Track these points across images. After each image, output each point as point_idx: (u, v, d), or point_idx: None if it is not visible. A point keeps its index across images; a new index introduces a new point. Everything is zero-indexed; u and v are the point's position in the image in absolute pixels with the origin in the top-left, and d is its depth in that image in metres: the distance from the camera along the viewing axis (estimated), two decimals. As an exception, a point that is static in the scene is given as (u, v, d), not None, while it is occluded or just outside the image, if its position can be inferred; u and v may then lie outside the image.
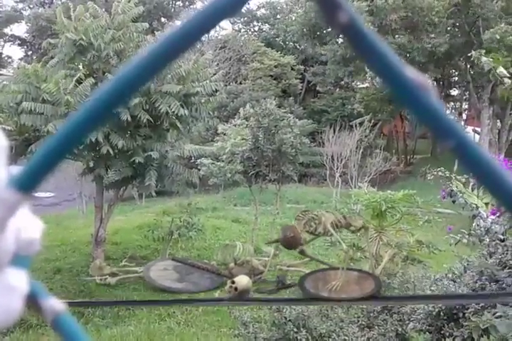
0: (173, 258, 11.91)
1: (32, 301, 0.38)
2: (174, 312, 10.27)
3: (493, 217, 4.75)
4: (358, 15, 0.30)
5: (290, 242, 9.81)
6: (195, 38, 0.32)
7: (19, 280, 0.35)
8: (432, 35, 23.45)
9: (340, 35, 0.32)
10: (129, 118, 10.40)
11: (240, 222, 16.63)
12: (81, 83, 11.00)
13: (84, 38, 11.27)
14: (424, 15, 23.09)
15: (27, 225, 0.36)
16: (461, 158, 0.30)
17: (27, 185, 0.32)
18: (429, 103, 0.29)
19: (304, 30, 30.65)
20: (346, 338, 6.28)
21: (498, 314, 3.63)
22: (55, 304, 0.39)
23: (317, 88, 34.19)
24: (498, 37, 19.09)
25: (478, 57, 3.64)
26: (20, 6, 39.62)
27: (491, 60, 3.55)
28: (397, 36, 23.33)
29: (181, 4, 39.90)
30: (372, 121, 26.68)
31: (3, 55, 40.00)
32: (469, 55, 3.95)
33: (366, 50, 0.30)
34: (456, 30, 24.48)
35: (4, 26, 38.95)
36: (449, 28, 24.51)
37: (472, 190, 4.97)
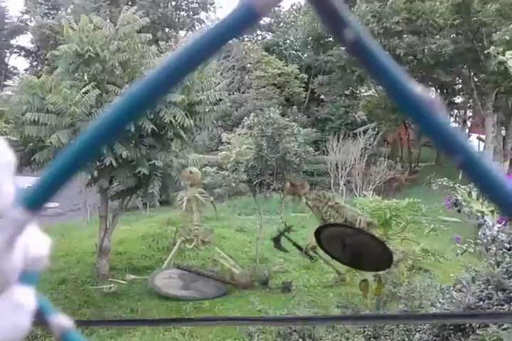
0: (178, 266, 11.93)
1: (39, 317, 0.38)
2: (179, 322, 10.19)
3: (499, 225, 4.71)
4: (364, 33, 0.30)
5: (293, 191, 11.08)
6: (205, 56, 0.32)
7: (26, 297, 0.35)
8: (437, 37, 23.52)
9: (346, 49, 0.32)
10: (133, 129, 10.44)
11: (244, 231, 16.60)
12: (85, 93, 11.06)
13: (89, 48, 11.35)
14: (428, 18, 23.22)
15: (35, 242, 0.36)
16: (468, 173, 0.30)
17: (36, 203, 0.33)
18: (436, 119, 0.29)
19: (308, 39, 30.83)
20: (352, 348, 6.24)
21: (504, 326, 3.59)
22: (62, 320, 0.39)
23: (320, 96, 34.30)
24: (508, 38, 19.06)
25: (495, 54, 3.60)
26: (26, 17, 40.03)
27: (509, 57, 3.51)
28: (404, 37, 23.42)
29: (185, 14, 40.20)
30: (376, 129, 26.69)
31: (8, 66, 40.35)
32: (486, 51, 3.94)
33: (373, 67, 0.30)
34: (460, 37, 24.55)
35: (10, 38, 39.34)
36: (452, 36, 24.59)
37: (477, 199, 4.94)
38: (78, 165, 0.34)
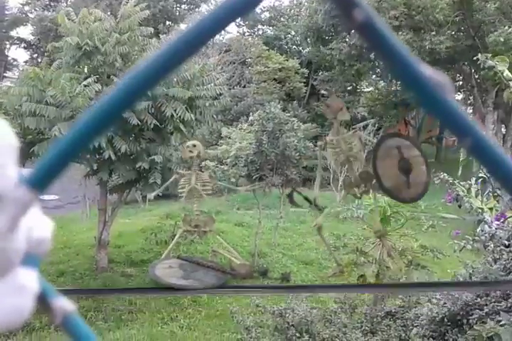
0: (179, 256, 11.97)
1: (42, 301, 0.38)
2: (177, 316, 10.26)
3: (497, 222, 4.72)
4: (374, 14, 0.30)
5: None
6: (202, 42, 0.31)
7: (30, 279, 0.35)
8: (433, 33, 23.47)
9: (356, 34, 0.32)
10: (135, 122, 10.44)
11: (243, 226, 16.61)
12: (85, 86, 11.04)
13: (89, 42, 11.31)
14: (428, 13, 23.16)
15: (38, 224, 0.36)
16: (477, 155, 0.30)
17: (39, 183, 0.32)
18: (446, 101, 0.29)
19: (308, 33, 30.74)
20: (349, 343, 6.26)
21: (502, 322, 3.60)
22: (64, 304, 0.39)
23: (321, 92, 34.21)
24: (503, 39, 19.04)
25: (484, 60, 3.61)
26: (27, 8, 39.82)
27: (497, 63, 3.52)
28: (399, 34, 23.37)
29: (186, 7, 40.04)
30: (376, 125, 26.64)
31: (8, 58, 40.21)
32: (475, 58, 3.93)
33: (382, 49, 0.29)
34: (461, 34, 24.48)
35: (11, 29, 39.17)
36: (453, 32, 24.51)
37: (476, 196, 4.95)
38: (78, 148, 0.34)
